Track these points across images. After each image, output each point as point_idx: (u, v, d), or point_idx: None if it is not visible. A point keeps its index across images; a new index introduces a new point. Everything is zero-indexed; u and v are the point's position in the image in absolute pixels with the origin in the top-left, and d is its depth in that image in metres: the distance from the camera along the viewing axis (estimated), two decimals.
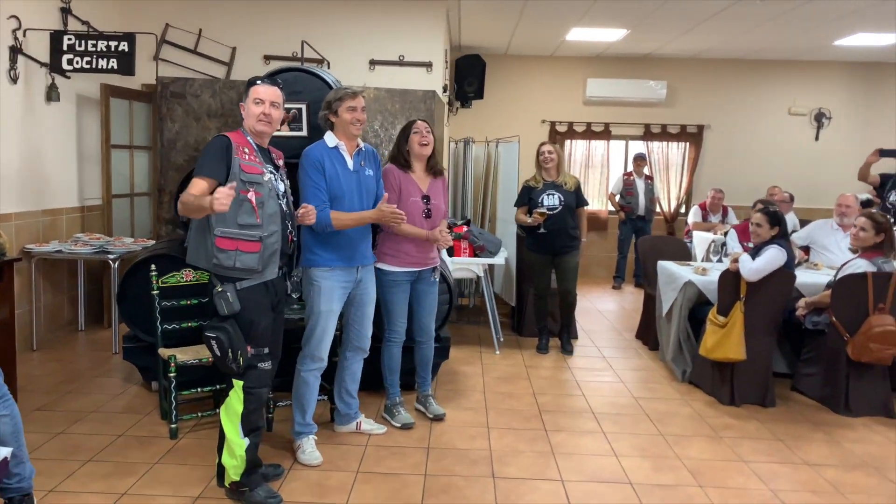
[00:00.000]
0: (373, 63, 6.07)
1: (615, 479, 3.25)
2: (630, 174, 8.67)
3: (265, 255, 2.80)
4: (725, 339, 4.18)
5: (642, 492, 3.12)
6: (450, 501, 2.98)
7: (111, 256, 4.97)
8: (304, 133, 3.97)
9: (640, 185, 8.55)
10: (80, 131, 5.58)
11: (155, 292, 3.63)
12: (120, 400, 4.10)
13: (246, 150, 2.83)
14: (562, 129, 9.32)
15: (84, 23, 5.29)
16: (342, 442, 3.57)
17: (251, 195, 2.76)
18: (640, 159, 8.70)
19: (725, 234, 6.24)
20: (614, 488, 3.15)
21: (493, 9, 6.48)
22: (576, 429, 3.87)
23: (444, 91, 6.54)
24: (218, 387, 3.85)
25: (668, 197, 9.46)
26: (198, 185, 2.70)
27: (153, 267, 3.65)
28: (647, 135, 9.34)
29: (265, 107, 2.84)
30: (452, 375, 4.71)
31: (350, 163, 3.34)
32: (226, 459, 2.88)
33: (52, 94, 5.08)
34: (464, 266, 5.29)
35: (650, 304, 5.63)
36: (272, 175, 2.89)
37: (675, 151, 9.43)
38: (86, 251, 4.99)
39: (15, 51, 4.65)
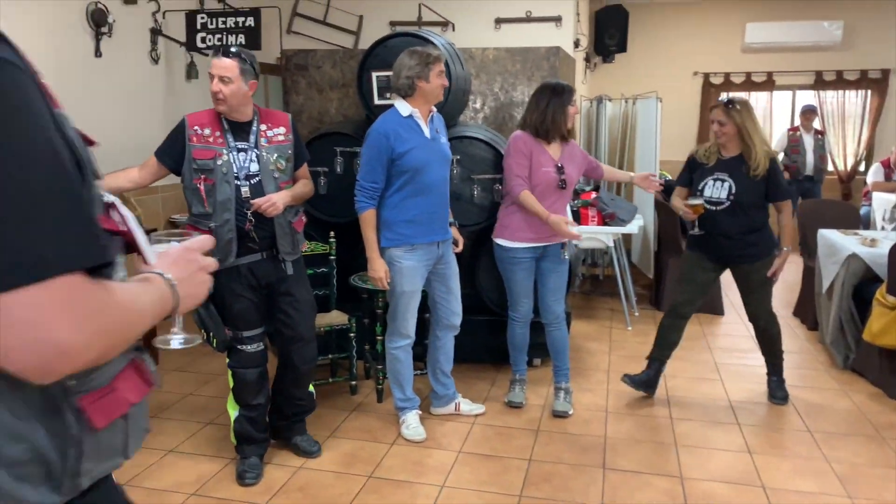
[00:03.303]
0: (498, 22, 5.78)
1: (744, 480, 2.87)
2: (796, 129, 7.71)
3: (219, 245, 2.67)
4: (895, 324, 3.56)
5: (775, 497, 2.73)
6: (551, 492, 2.78)
7: None
8: None
9: (809, 140, 7.58)
10: None
11: None
12: None
13: (206, 130, 2.70)
14: (717, 80, 8.48)
15: (220, 1, 5.49)
16: (449, 419, 3.47)
17: (201, 184, 2.67)
18: (809, 112, 7.68)
19: None
20: (741, 491, 2.78)
21: None
22: (706, 419, 3.48)
23: (577, 46, 6.11)
24: (331, 357, 3.90)
25: (844, 154, 8.34)
26: (146, 165, 2.81)
27: None
28: (819, 83, 8.24)
29: (214, 83, 2.68)
30: (575, 352, 4.44)
31: (426, 131, 3.12)
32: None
33: (191, 72, 5.33)
34: (592, 235, 4.94)
35: (809, 277, 4.96)
36: (236, 154, 2.72)
37: (854, 101, 8.25)
38: None
39: (155, 32, 4.92)
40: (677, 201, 3.60)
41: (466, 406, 3.53)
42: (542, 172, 3.35)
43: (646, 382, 3.72)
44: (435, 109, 3.21)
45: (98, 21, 4.32)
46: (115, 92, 4.59)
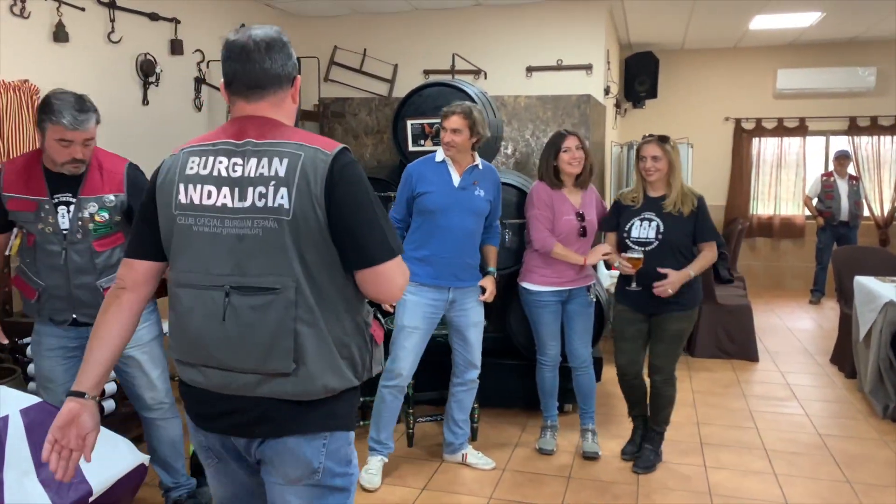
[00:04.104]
0: (529, 70, 5.90)
1: None
2: (830, 174, 7.67)
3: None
4: None
5: None
6: None
7: None
8: None
9: (843, 186, 7.53)
10: None
11: None
12: None
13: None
14: (748, 126, 8.49)
15: None
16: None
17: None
18: (843, 157, 7.65)
19: None
20: None
21: (658, 4, 6.03)
22: (741, 468, 3.42)
23: (607, 93, 6.20)
24: (361, 399, 3.93)
25: (881, 199, 8.23)
26: None
27: None
28: (853, 129, 8.19)
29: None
30: (605, 398, 4.40)
31: (456, 179, 3.21)
32: None
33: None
34: None
35: (846, 324, 4.88)
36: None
37: (889, 146, 8.18)
38: None
39: (199, 81, 5.13)
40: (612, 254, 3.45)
41: (473, 458, 3.46)
42: (564, 221, 3.40)
43: (641, 441, 3.54)
44: (479, 163, 3.28)
45: (147, 71, 4.53)
46: (160, 138, 4.78)
